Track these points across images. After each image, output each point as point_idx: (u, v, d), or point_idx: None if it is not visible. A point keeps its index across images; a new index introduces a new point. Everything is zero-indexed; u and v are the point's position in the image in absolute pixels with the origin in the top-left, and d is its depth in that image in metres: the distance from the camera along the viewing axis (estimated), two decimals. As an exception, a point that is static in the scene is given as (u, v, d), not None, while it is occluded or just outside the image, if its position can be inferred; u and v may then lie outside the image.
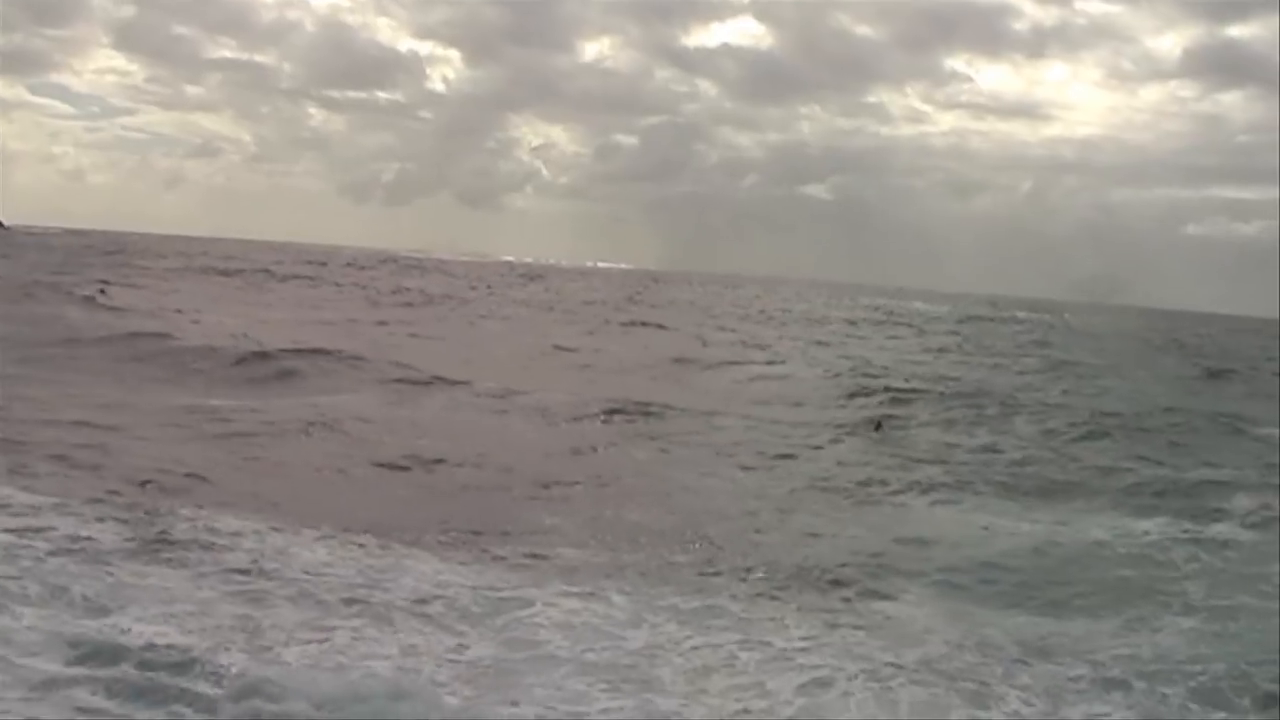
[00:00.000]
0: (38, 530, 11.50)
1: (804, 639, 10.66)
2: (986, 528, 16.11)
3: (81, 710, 7.70)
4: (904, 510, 17.36)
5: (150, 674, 8.23)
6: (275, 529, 12.71)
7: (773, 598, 12.05)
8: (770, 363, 37.94)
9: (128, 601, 9.85)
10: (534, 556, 12.85)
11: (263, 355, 26.60)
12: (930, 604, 12.23)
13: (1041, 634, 11.29)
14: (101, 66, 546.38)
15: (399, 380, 25.40)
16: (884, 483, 18.88)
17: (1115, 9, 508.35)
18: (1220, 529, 16.24)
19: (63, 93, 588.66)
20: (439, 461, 17.89)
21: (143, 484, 14.37)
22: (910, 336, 62.27)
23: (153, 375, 24.70)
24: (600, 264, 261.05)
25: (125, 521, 12.31)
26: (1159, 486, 18.97)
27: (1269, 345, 73.40)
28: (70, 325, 31.29)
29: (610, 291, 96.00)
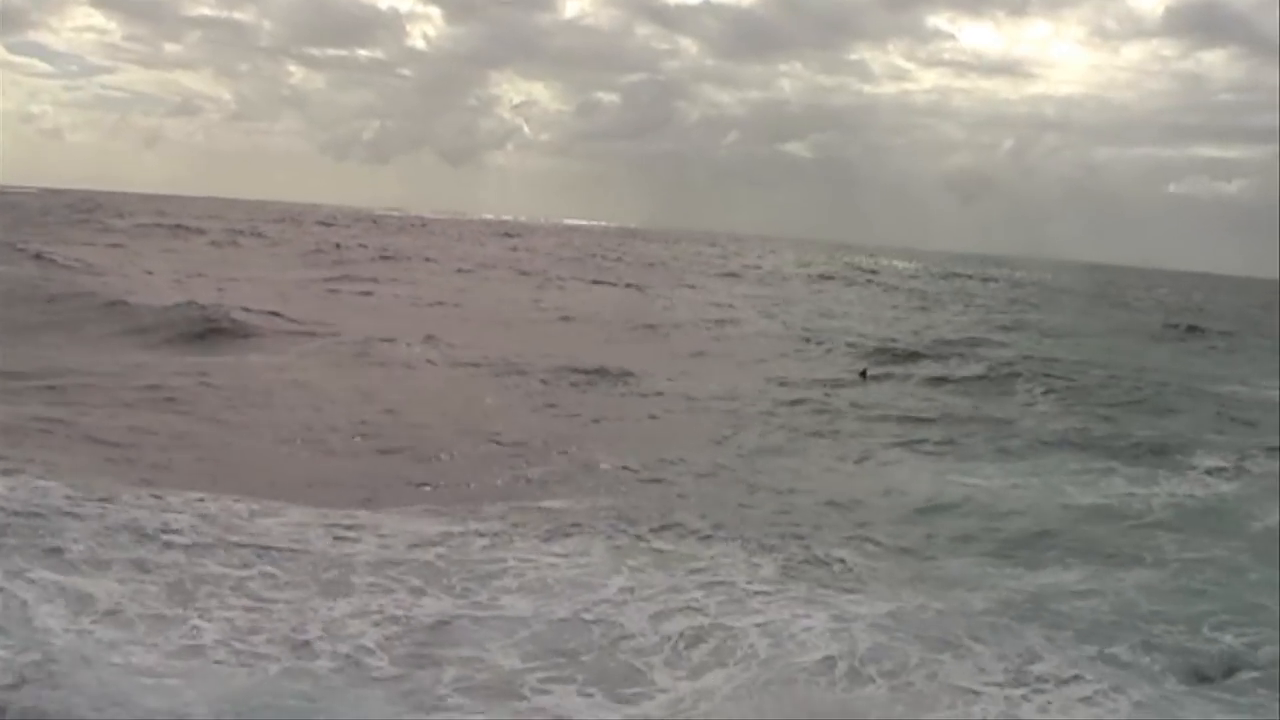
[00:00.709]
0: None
1: (768, 584, 10.78)
2: (962, 482, 16.09)
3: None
4: (873, 464, 17.36)
5: None
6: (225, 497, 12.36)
7: (741, 545, 12.05)
8: (720, 322, 37.43)
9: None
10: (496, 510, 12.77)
11: (205, 317, 26.00)
12: (897, 555, 12.28)
13: (1013, 588, 11.28)
14: (80, 24, 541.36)
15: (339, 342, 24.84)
16: (854, 435, 19.17)
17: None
18: (1184, 482, 16.37)
19: (41, 51, 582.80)
20: (374, 424, 17.45)
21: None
22: (879, 293, 61.84)
23: (93, 334, 24.16)
24: (581, 222, 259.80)
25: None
26: (1118, 443, 18.97)
27: (1244, 303, 73.57)
28: (18, 282, 30.67)
29: (586, 247, 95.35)
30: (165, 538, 10.57)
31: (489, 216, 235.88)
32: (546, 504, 13.14)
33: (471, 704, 8.04)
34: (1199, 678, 9.28)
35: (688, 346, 30.05)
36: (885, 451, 18.10)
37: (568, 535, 11.88)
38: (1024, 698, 8.62)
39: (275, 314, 27.49)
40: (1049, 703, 8.58)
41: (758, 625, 9.71)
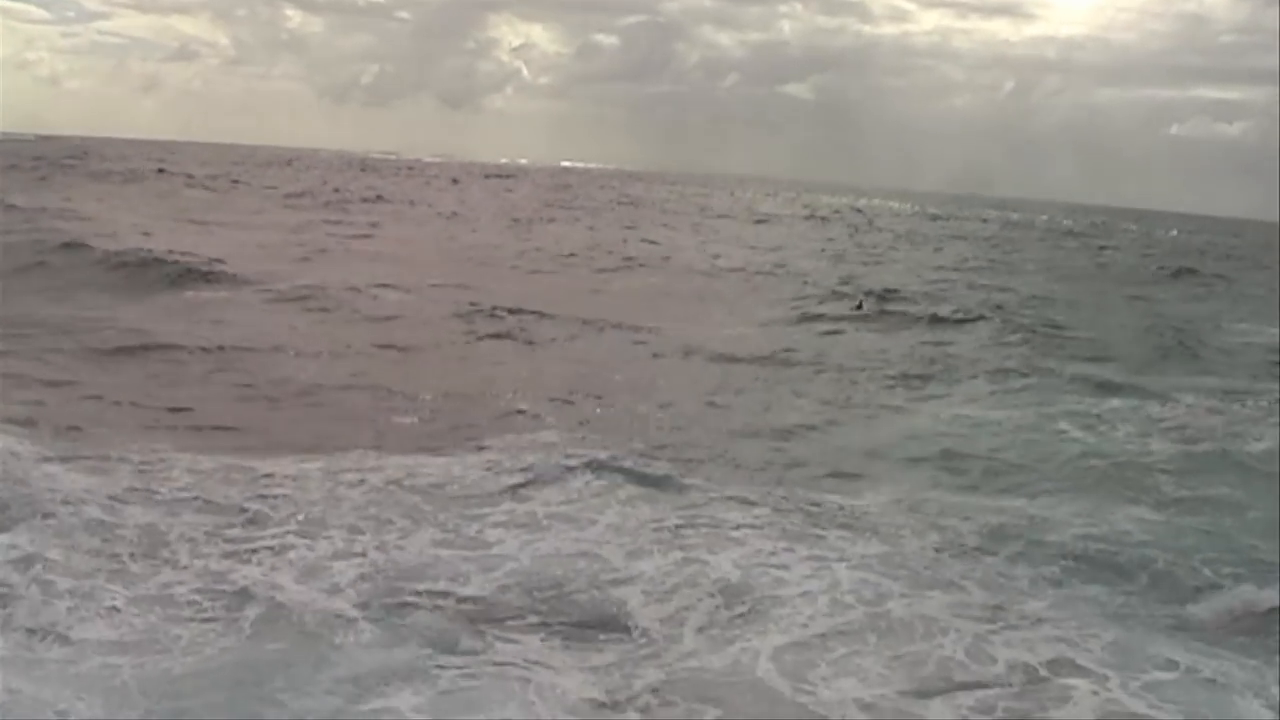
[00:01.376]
0: None
1: (755, 518, 10.79)
2: (951, 416, 16.11)
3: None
4: (860, 401, 17.35)
5: None
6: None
7: (721, 482, 12.00)
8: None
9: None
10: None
11: (158, 263, 25.43)
12: (889, 492, 12.17)
13: (1003, 521, 11.23)
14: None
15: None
16: (844, 372, 19.20)
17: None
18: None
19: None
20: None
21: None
22: (843, 236, 61.31)
23: (44, 282, 23.67)
24: (579, 164, 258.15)
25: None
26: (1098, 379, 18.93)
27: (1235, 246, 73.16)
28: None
29: (576, 190, 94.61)
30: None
31: (486, 160, 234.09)
32: (539, 437, 13.21)
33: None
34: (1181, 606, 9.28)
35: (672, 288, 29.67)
36: (874, 389, 18.10)
37: (557, 476, 11.78)
38: (993, 632, 8.53)
39: (218, 261, 26.73)
40: (1023, 639, 8.46)
41: (736, 560, 9.72)
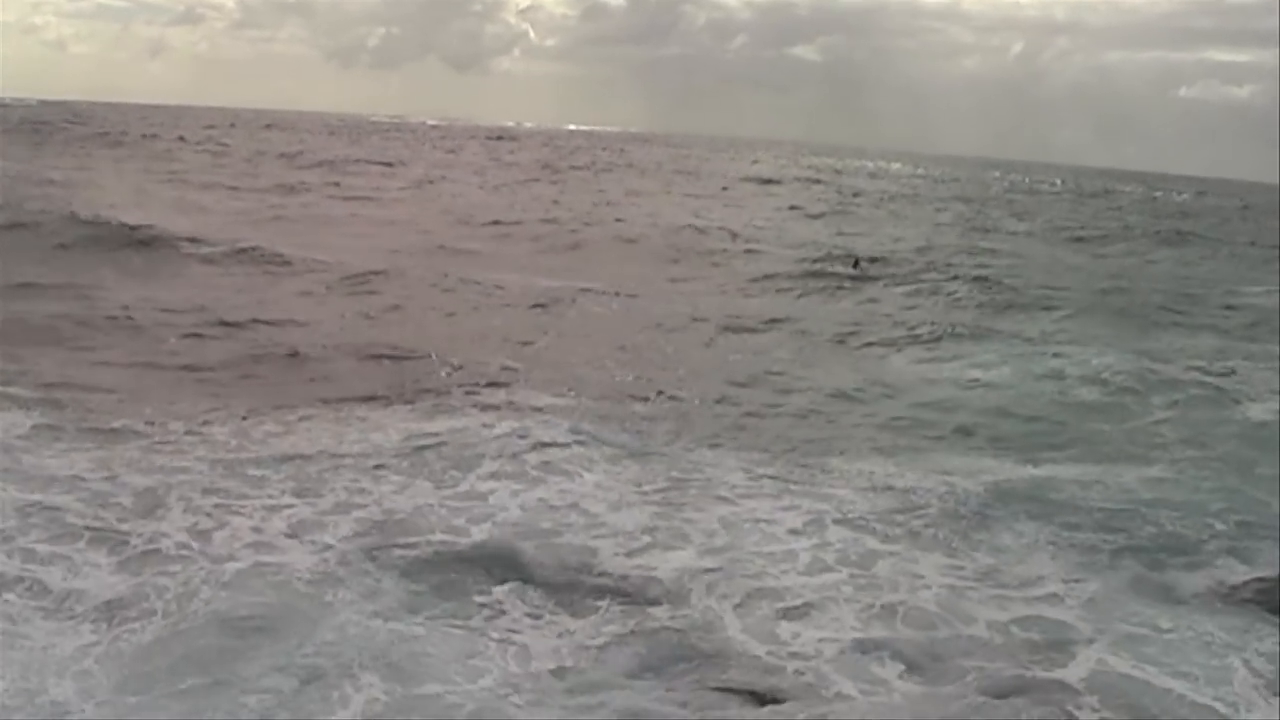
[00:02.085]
0: None
1: (749, 481, 10.83)
2: (951, 376, 16.27)
3: None
4: (859, 359, 17.52)
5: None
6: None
7: (715, 445, 12.08)
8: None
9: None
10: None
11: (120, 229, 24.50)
12: (885, 448, 12.29)
13: (1003, 480, 11.28)
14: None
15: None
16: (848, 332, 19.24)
17: None
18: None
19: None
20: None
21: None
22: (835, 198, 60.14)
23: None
24: (585, 127, 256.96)
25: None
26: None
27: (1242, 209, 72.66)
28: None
29: (571, 152, 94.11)
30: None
31: (494, 122, 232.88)
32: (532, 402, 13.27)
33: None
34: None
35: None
36: (871, 346, 18.30)
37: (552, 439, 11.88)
38: (970, 588, 8.60)
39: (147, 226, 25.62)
40: (996, 596, 8.53)
41: (723, 517, 9.80)
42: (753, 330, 19.26)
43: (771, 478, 10.95)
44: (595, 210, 39.75)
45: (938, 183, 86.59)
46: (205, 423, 11.70)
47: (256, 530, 8.90)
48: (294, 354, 15.45)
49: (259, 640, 7.11)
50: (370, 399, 13.16)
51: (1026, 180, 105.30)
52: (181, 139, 69.67)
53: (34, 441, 10.69)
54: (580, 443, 11.54)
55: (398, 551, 8.66)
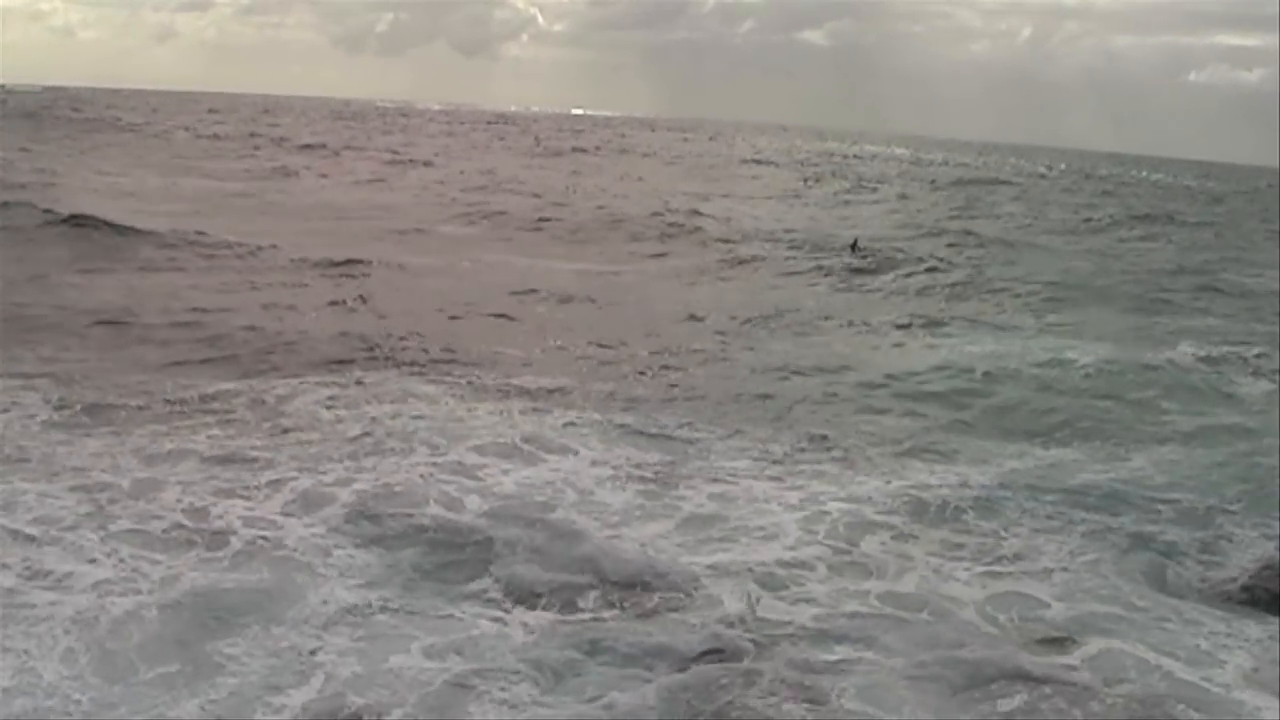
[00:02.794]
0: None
1: (752, 461, 10.79)
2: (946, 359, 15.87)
3: None
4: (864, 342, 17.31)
5: None
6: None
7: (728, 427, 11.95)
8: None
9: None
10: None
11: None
12: (891, 433, 12.14)
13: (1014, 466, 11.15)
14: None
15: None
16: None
17: None
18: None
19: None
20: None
21: None
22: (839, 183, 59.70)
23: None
24: (592, 112, 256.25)
25: None
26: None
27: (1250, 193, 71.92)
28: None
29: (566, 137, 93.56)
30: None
31: (501, 108, 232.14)
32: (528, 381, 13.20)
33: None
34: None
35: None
36: (868, 331, 18.07)
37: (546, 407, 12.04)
38: (951, 573, 8.49)
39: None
40: (978, 576, 8.44)
41: (714, 495, 9.77)
42: (749, 319, 18.84)
43: (774, 461, 10.86)
44: (589, 191, 39.42)
45: (940, 167, 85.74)
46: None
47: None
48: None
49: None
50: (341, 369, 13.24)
51: (1032, 165, 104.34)
52: (185, 128, 69.25)
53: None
54: (573, 424, 11.53)
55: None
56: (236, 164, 44.97)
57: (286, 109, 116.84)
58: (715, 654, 6.96)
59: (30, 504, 8.48)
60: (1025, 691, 6.74)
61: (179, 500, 8.79)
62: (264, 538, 8.26)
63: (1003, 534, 9.23)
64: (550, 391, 12.76)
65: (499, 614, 7.46)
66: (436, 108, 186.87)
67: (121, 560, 7.73)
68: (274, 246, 22.28)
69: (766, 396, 13.42)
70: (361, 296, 18.11)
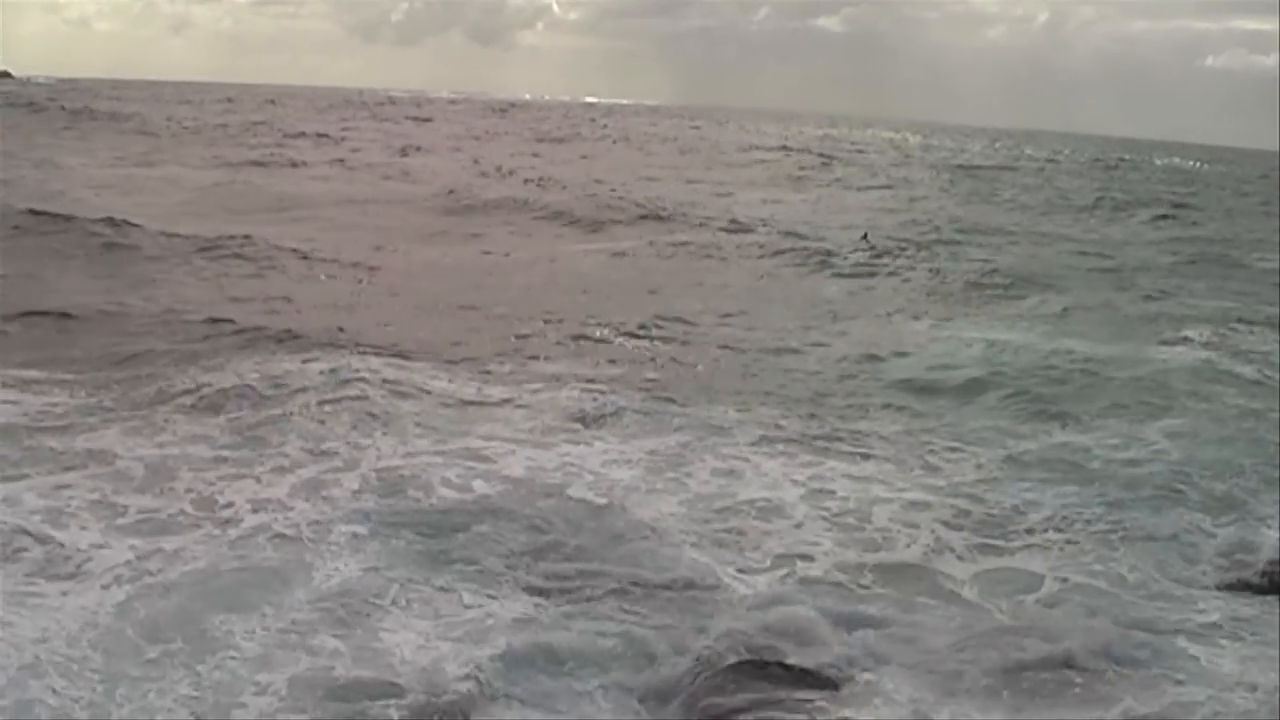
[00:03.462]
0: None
1: (763, 441, 10.91)
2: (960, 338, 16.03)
3: None
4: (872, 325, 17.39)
5: None
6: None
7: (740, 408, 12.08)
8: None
9: None
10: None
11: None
12: (906, 417, 12.19)
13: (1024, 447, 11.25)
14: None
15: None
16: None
17: None
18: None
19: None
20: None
21: None
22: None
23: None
24: (605, 100, 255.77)
25: None
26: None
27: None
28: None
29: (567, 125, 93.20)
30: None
31: (516, 96, 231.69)
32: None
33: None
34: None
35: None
36: (876, 319, 18.06)
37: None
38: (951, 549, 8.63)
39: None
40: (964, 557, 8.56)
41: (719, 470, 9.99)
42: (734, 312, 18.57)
43: (786, 439, 10.96)
44: (589, 180, 39.16)
45: (947, 153, 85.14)
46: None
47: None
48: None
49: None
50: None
51: (1038, 150, 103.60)
52: (169, 118, 68.67)
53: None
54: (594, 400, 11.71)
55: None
56: (208, 151, 44.78)
57: (290, 99, 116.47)
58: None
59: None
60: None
61: (188, 488, 8.86)
62: (273, 520, 8.31)
63: (1018, 511, 9.34)
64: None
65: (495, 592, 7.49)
66: (448, 96, 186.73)
67: (132, 545, 7.75)
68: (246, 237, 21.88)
69: (773, 374, 13.75)
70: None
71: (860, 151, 77.97)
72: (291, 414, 10.75)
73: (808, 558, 8.32)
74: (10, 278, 16.91)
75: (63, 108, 66.32)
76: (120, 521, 8.17)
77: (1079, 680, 6.56)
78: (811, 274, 22.45)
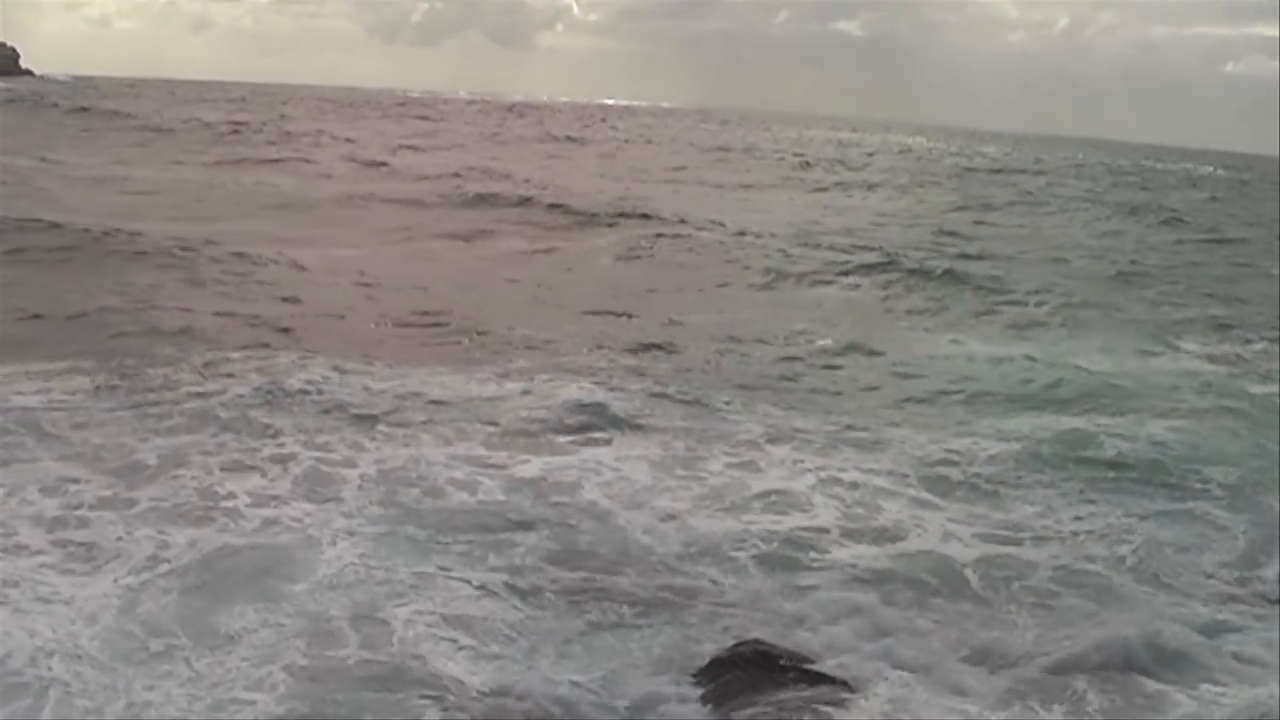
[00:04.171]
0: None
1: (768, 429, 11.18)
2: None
3: None
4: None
5: None
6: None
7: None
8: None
9: None
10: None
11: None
12: (920, 417, 12.28)
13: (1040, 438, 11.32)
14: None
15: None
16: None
17: None
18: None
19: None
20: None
21: None
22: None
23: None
24: (622, 102, 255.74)
25: None
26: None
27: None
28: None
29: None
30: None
31: (534, 98, 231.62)
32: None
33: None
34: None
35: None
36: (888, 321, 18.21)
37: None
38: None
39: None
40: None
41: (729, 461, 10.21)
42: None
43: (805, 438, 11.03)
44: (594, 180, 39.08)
45: (960, 158, 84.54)
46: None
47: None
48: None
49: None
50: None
51: (1065, 157, 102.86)
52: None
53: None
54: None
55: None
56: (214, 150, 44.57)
57: (306, 98, 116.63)
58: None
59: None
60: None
61: (195, 478, 8.95)
62: (278, 513, 8.39)
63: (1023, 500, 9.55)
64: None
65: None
66: (465, 96, 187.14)
67: (147, 535, 7.89)
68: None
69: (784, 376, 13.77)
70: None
71: (873, 155, 77.51)
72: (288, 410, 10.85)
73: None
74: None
75: (83, 108, 66.55)
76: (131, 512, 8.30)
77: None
78: (820, 282, 21.93)
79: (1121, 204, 45.23)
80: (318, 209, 28.85)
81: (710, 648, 6.80)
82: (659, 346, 14.71)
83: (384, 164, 41.46)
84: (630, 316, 17.06)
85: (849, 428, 11.51)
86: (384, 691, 6.22)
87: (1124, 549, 8.54)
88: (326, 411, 10.89)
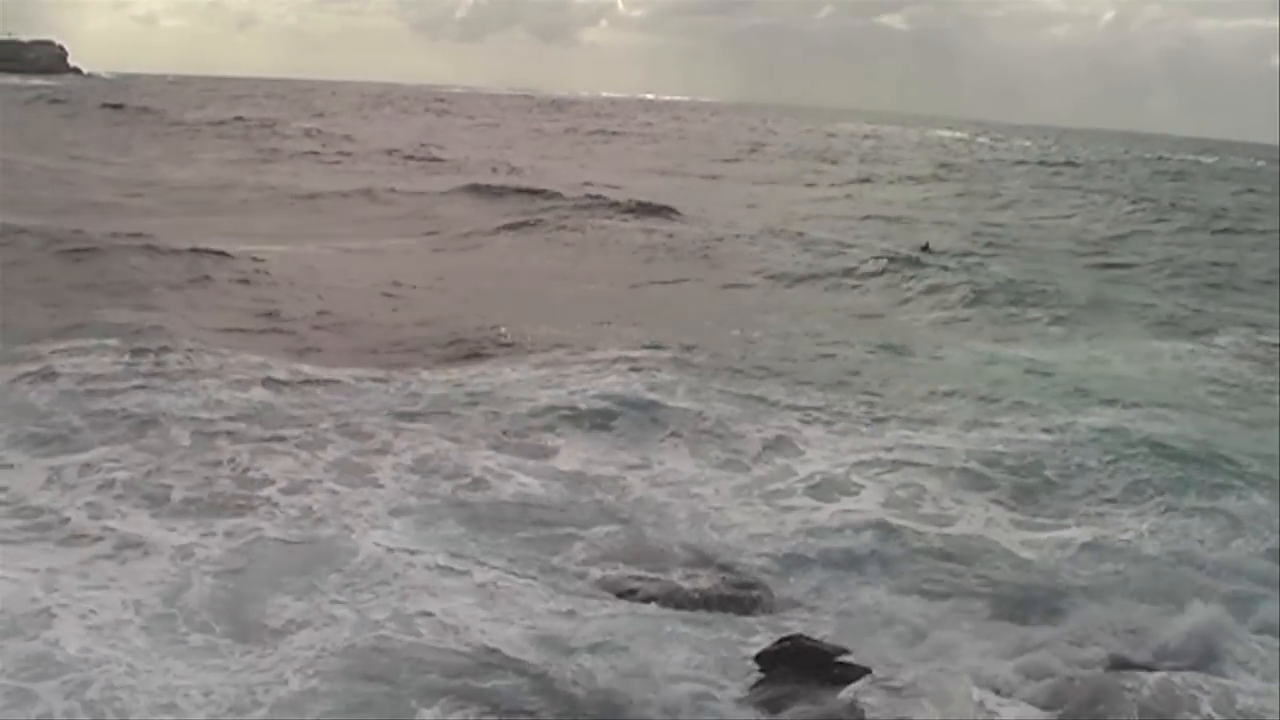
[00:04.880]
0: None
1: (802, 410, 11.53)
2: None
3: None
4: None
5: None
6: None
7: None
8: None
9: None
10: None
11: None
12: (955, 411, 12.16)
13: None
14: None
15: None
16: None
17: None
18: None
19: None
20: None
21: None
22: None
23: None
24: (665, 97, 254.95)
25: None
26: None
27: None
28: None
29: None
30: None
31: (576, 94, 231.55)
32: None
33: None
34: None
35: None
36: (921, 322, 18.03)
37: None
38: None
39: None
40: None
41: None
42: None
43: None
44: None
45: (1009, 152, 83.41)
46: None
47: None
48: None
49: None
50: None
51: (1109, 150, 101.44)
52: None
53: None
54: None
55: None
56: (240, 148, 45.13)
57: (335, 95, 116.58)
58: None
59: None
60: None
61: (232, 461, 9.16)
62: (318, 500, 8.56)
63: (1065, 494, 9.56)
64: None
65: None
66: (507, 92, 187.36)
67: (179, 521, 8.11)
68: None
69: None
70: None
71: (909, 150, 76.70)
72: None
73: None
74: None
75: (118, 105, 67.12)
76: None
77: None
78: (849, 279, 21.50)
79: (1156, 199, 44.53)
80: (342, 202, 29.19)
81: (760, 640, 6.82)
82: (683, 342, 14.55)
83: (412, 158, 42.15)
84: (658, 310, 17.05)
85: (878, 421, 11.50)
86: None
87: (1153, 544, 8.57)
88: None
